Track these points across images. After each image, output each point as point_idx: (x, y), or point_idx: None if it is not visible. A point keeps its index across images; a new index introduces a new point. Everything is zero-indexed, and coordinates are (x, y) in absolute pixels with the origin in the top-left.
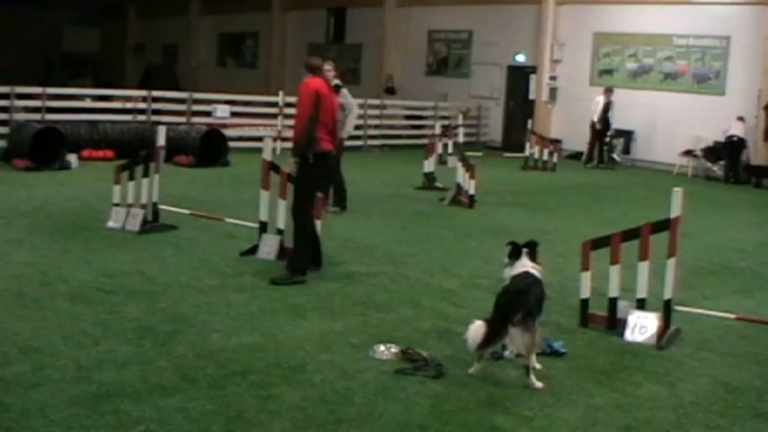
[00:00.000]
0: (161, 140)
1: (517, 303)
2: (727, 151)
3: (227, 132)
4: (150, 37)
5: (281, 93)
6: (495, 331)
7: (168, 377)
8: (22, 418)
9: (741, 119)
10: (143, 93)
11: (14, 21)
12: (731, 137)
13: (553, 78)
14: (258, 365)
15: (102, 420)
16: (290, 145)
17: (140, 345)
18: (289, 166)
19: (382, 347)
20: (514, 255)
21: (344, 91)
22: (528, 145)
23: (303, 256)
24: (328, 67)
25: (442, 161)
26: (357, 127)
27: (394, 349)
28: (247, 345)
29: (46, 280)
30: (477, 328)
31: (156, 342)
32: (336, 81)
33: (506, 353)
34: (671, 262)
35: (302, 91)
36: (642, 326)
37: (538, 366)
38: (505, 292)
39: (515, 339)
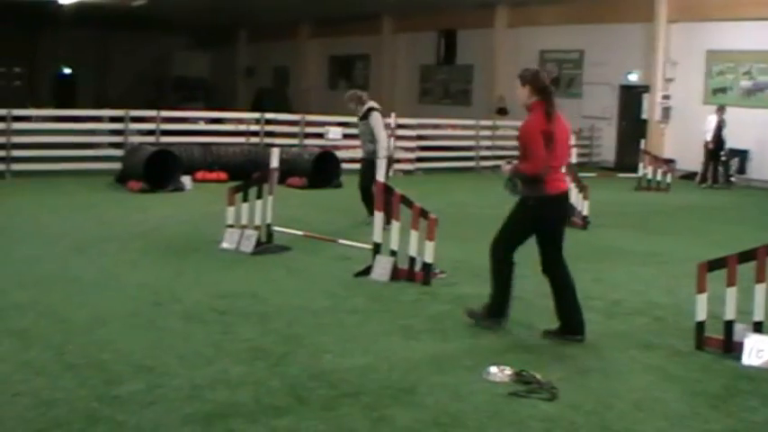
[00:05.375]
0: (274, 162)
1: None
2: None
3: (340, 154)
4: (261, 60)
5: (393, 114)
6: None
7: (281, 397)
8: None
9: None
10: (255, 115)
11: (130, 46)
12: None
13: (666, 97)
14: (370, 387)
15: None
16: (404, 167)
17: (253, 365)
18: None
19: (495, 369)
20: None
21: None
22: (641, 165)
23: (495, 299)
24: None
25: None
26: (469, 148)
27: (507, 371)
28: (360, 366)
29: (160, 300)
30: None
31: (269, 362)
32: (371, 104)
33: None
34: None
35: (524, 133)
36: (759, 349)
37: None
38: None
39: None
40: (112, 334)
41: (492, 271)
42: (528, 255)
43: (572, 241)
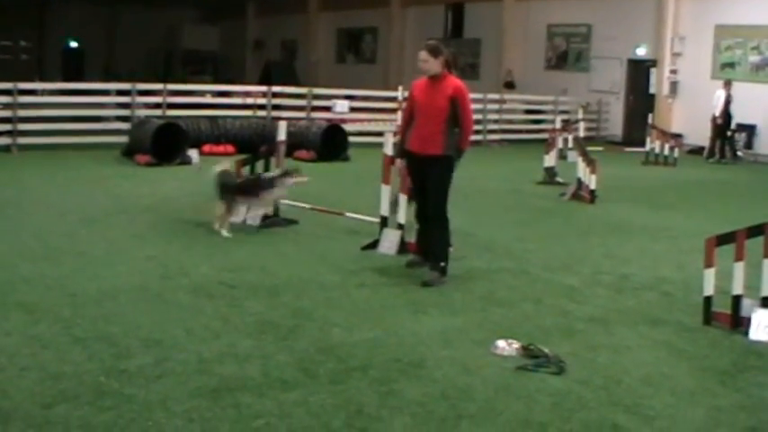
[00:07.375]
0: (282, 135)
1: None
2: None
3: (347, 127)
4: (269, 33)
5: (400, 88)
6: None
7: (289, 371)
8: (144, 409)
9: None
10: (262, 88)
11: (139, 20)
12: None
13: (674, 72)
14: (379, 361)
15: (224, 413)
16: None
17: (261, 339)
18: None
19: (503, 343)
20: None
21: None
22: (649, 140)
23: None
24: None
25: (562, 156)
26: (477, 121)
27: (515, 345)
28: (368, 340)
29: (168, 274)
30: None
31: (277, 336)
32: None
33: None
34: None
35: (466, 95)
36: (767, 324)
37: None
38: None
39: None
40: (120, 307)
41: (444, 234)
42: (533, 230)
43: (581, 216)
